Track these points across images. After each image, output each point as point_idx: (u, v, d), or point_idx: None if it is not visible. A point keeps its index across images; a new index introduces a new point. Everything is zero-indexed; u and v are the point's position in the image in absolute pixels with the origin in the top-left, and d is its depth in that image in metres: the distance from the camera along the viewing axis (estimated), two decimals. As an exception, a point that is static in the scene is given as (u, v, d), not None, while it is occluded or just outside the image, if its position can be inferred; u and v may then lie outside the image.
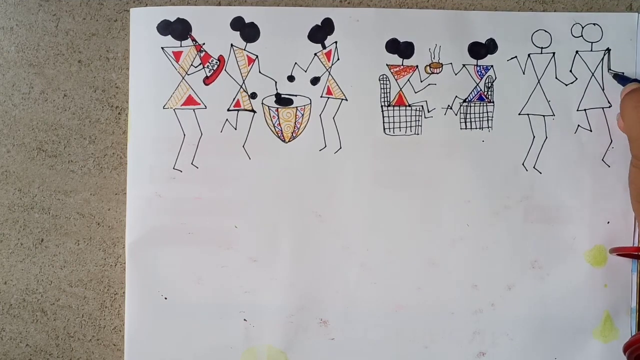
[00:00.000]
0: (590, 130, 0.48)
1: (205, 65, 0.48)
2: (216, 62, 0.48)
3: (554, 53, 0.48)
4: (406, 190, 0.48)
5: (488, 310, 0.48)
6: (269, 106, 0.48)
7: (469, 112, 0.48)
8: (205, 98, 0.48)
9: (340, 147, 0.48)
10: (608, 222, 0.48)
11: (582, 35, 0.48)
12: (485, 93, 0.48)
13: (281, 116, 0.48)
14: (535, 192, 0.48)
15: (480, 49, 0.48)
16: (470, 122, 0.48)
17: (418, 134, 0.48)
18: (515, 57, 0.48)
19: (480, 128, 0.48)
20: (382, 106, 0.48)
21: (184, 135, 0.48)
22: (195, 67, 0.48)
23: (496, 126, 0.48)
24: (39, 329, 0.50)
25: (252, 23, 0.48)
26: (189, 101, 0.48)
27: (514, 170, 0.48)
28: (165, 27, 0.48)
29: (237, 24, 0.48)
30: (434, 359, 0.48)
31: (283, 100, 0.48)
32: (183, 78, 0.48)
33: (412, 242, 0.48)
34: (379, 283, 0.48)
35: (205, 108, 0.48)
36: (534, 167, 0.48)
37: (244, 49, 0.48)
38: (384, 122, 0.48)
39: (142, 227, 0.48)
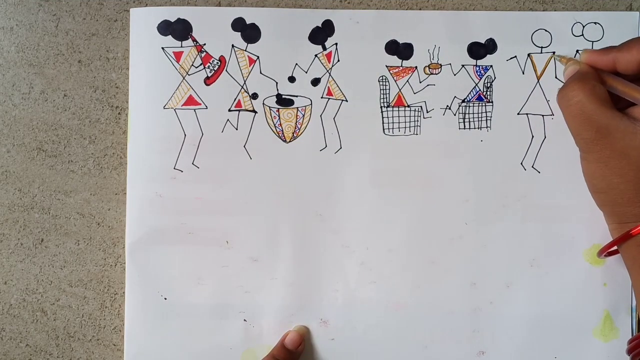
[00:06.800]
0: (588, 130, 0.49)
1: (206, 66, 0.48)
2: (217, 63, 0.48)
3: (554, 52, 0.48)
4: (405, 190, 0.49)
5: (487, 308, 0.49)
6: (269, 106, 0.49)
7: (467, 112, 0.49)
8: (206, 98, 0.48)
9: (341, 147, 0.49)
10: (606, 221, 0.48)
11: (582, 35, 0.48)
12: (484, 93, 0.49)
13: (282, 116, 0.49)
14: (534, 191, 0.48)
15: (480, 49, 0.48)
16: (469, 122, 0.49)
17: (417, 134, 0.49)
18: (515, 57, 0.48)
19: (479, 128, 0.49)
20: (381, 107, 0.49)
21: (185, 135, 0.48)
22: (196, 68, 0.48)
23: (495, 126, 0.49)
24: (39, 329, 0.50)
25: (253, 24, 0.48)
26: (190, 101, 0.48)
27: (512, 170, 0.48)
28: (165, 27, 0.48)
29: (238, 24, 0.48)
30: (434, 358, 0.49)
31: (284, 101, 0.49)
32: (184, 78, 0.48)
33: (411, 241, 0.49)
34: (379, 282, 0.49)
35: (206, 108, 0.48)
36: (532, 167, 0.49)
37: (245, 50, 0.48)
38: (383, 123, 0.49)
39: (142, 227, 0.48)
